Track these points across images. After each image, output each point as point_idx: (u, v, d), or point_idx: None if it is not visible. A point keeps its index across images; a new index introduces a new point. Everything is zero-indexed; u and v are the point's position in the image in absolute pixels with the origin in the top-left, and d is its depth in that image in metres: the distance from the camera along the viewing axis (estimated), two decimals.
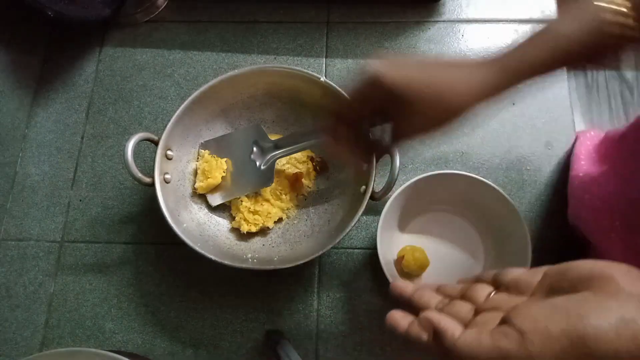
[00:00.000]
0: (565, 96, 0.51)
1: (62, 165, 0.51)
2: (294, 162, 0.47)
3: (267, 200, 0.46)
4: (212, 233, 0.45)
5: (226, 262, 0.39)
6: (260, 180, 0.45)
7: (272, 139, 0.46)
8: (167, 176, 0.43)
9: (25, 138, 0.52)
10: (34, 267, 0.47)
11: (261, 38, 0.55)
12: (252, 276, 0.46)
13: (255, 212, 0.45)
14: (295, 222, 0.46)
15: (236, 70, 0.44)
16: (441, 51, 0.54)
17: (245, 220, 0.44)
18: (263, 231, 0.45)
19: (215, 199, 0.46)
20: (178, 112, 0.43)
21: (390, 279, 0.40)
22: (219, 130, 0.48)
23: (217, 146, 0.47)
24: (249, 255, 0.43)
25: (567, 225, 0.45)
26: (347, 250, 0.46)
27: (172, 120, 0.43)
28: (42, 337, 0.45)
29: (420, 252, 0.43)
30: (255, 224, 0.44)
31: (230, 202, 0.46)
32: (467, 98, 0.31)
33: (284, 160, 0.46)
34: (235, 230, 0.45)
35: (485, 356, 0.20)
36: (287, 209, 0.46)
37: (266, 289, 0.45)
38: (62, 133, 0.52)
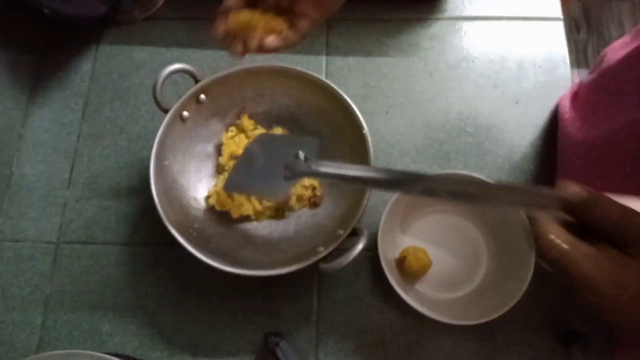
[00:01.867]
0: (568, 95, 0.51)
1: (58, 165, 0.50)
2: None
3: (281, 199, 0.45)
4: (209, 234, 0.44)
5: (223, 267, 0.38)
6: (279, 190, 0.40)
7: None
8: (185, 113, 0.43)
9: (21, 137, 0.52)
10: (30, 269, 0.47)
11: None
12: (251, 278, 0.45)
13: (258, 215, 0.44)
14: (294, 222, 0.45)
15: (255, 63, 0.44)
16: (443, 49, 0.53)
17: (217, 201, 0.44)
18: (263, 233, 0.45)
19: (232, 186, 0.42)
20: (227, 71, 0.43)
21: (392, 281, 0.39)
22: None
23: (266, 141, 0.43)
24: (248, 258, 0.43)
25: (573, 225, 0.44)
26: (348, 251, 0.46)
27: (221, 74, 0.43)
28: (38, 339, 0.44)
29: (422, 252, 0.43)
30: (222, 205, 0.44)
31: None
32: None
33: None
34: (234, 233, 0.45)
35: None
36: (260, 213, 0.45)
37: (265, 291, 0.45)
38: (58, 132, 0.51)
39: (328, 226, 0.44)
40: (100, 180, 0.49)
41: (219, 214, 0.46)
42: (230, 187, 0.42)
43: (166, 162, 0.43)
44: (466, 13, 0.55)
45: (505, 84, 0.51)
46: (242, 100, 0.47)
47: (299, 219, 0.46)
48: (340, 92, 0.42)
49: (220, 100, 0.46)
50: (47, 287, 0.46)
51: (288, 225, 0.46)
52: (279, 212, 0.46)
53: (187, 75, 0.44)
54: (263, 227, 0.46)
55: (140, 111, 0.52)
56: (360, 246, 0.36)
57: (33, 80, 0.54)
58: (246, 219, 0.45)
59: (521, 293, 0.38)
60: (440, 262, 0.44)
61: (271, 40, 0.36)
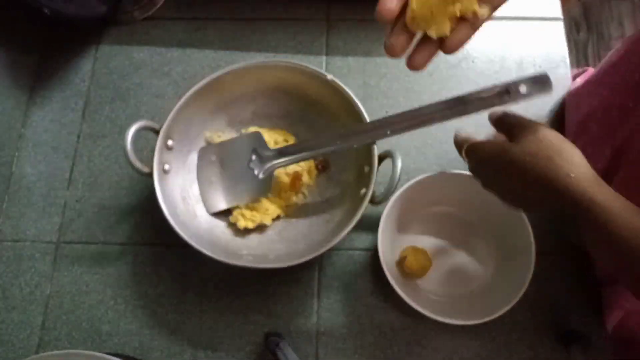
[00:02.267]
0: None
1: (58, 165, 0.50)
2: None
3: (265, 197, 0.45)
4: (208, 227, 0.44)
5: (221, 258, 0.38)
6: (258, 189, 0.44)
7: (275, 138, 0.45)
8: (166, 166, 0.42)
9: (21, 137, 0.52)
10: (30, 269, 0.47)
11: (260, 35, 0.54)
12: (251, 277, 0.45)
13: (252, 209, 0.44)
14: (293, 220, 0.45)
15: (242, 63, 0.44)
16: None
17: (242, 215, 0.44)
18: (260, 228, 0.45)
19: (213, 206, 0.45)
20: (181, 101, 0.43)
21: (392, 281, 0.39)
22: (222, 123, 0.47)
23: (215, 152, 0.46)
24: (245, 252, 0.43)
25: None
26: (348, 251, 0.46)
27: (174, 109, 0.42)
28: (38, 339, 0.44)
29: (422, 252, 0.43)
30: (253, 220, 0.44)
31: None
32: None
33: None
34: (232, 226, 0.45)
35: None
36: (286, 206, 0.46)
37: (265, 291, 0.45)
38: (59, 132, 0.52)
39: (347, 193, 0.44)
40: (100, 180, 0.49)
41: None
42: (213, 208, 0.45)
43: (166, 167, 0.43)
44: None
45: None
46: (204, 122, 0.46)
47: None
48: (346, 88, 0.42)
49: (184, 140, 0.45)
50: (47, 287, 0.46)
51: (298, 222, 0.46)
52: (298, 196, 0.46)
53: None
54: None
55: (140, 111, 0.52)
56: (399, 165, 0.39)
57: (33, 80, 0.54)
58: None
59: (521, 293, 0.38)
60: (439, 262, 0.44)
61: (464, 33, 0.30)
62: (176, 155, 0.44)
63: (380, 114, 0.51)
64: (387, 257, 0.41)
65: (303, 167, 0.46)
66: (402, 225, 0.45)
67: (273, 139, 0.47)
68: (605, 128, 0.41)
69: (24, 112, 0.53)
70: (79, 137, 0.51)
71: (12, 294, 0.46)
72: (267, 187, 0.44)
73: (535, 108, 0.51)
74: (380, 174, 0.41)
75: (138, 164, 0.40)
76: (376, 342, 0.43)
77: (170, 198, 0.42)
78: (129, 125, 0.51)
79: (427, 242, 0.45)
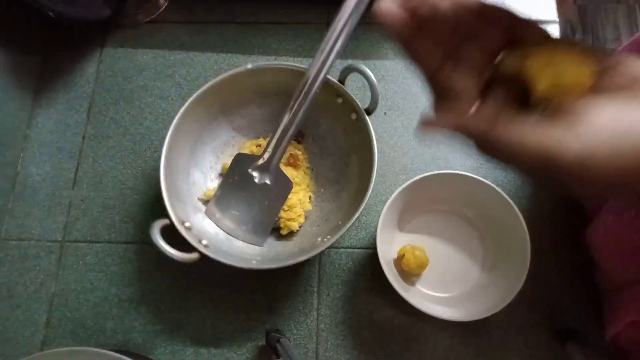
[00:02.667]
0: None
1: (63, 165, 0.51)
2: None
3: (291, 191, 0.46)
4: (214, 232, 0.45)
5: (226, 261, 0.39)
6: (281, 191, 0.44)
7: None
8: (187, 224, 0.41)
9: (27, 138, 0.52)
10: (35, 267, 0.47)
11: (261, 39, 0.55)
12: (252, 275, 0.46)
13: (289, 210, 0.45)
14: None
15: (239, 69, 0.44)
16: None
17: (288, 220, 0.45)
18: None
19: (263, 237, 0.44)
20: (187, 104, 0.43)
21: (391, 279, 0.40)
22: (227, 130, 0.48)
23: (220, 205, 0.45)
24: (248, 253, 0.43)
25: (567, 225, 0.45)
26: (347, 249, 0.47)
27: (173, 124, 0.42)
28: (43, 337, 0.45)
29: (420, 251, 0.44)
30: (292, 223, 0.45)
31: None
32: None
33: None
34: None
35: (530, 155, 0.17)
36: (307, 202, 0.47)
37: (266, 289, 0.45)
38: (63, 133, 0.52)
39: (340, 120, 0.45)
40: (104, 180, 0.50)
41: None
42: (263, 239, 0.45)
43: (175, 155, 0.43)
44: None
45: None
46: (249, 96, 0.48)
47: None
48: (350, 94, 0.43)
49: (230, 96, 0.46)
50: (52, 286, 0.47)
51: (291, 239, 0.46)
52: (306, 172, 0.48)
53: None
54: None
55: (144, 112, 0.53)
56: (364, 68, 0.40)
57: (38, 82, 0.55)
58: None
59: (517, 291, 0.39)
60: (437, 260, 0.44)
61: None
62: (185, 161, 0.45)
63: (379, 115, 0.52)
64: (386, 255, 0.42)
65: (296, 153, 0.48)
66: (401, 224, 0.46)
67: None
68: None
69: (29, 113, 0.53)
70: (83, 138, 0.52)
71: (18, 292, 0.46)
72: (285, 183, 0.44)
73: None
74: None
75: (180, 255, 0.38)
76: (375, 339, 0.43)
77: (178, 206, 0.42)
78: (132, 127, 0.52)
79: (425, 240, 0.45)
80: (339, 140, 0.47)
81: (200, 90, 0.44)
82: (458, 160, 0.50)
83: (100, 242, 0.48)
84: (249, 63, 0.45)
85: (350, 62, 0.42)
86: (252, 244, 0.44)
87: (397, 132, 0.51)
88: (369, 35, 0.55)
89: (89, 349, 0.36)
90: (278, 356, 0.39)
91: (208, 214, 0.45)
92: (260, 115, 0.49)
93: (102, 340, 0.44)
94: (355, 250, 0.46)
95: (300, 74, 0.44)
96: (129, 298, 0.46)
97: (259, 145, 0.48)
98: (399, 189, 0.42)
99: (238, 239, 0.45)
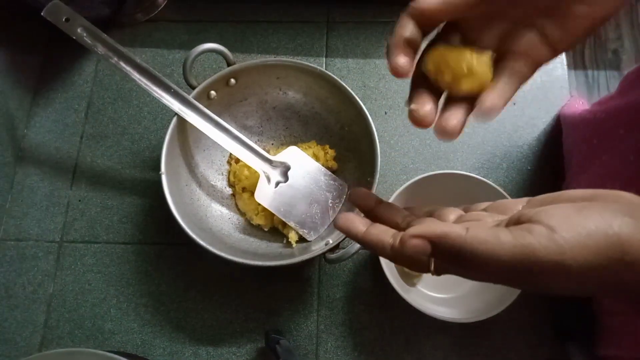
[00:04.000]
0: (565, 95, 0.51)
1: (61, 165, 0.51)
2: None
3: None
4: (215, 224, 0.44)
5: (227, 256, 0.38)
6: (337, 193, 0.44)
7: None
8: (212, 93, 0.44)
9: (25, 138, 0.52)
10: (33, 267, 0.47)
11: (261, 37, 0.55)
12: (252, 276, 0.46)
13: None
14: None
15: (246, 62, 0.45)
16: None
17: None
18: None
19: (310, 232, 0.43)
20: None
21: (391, 279, 0.40)
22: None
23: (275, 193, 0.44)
24: (249, 250, 0.43)
25: None
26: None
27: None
28: (41, 338, 0.45)
29: None
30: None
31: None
32: None
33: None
34: (237, 224, 0.46)
35: (507, 255, 0.16)
36: None
37: (266, 289, 0.45)
38: (62, 133, 0.52)
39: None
40: (103, 180, 0.50)
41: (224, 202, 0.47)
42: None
43: (177, 150, 0.44)
44: None
45: None
46: (264, 93, 0.47)
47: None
48: (352, 92, 0.43)
49: (247, 89, 0.46)
50: (50, 286, 0.46)
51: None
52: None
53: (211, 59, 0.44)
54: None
55: (143, 112, 0.53)
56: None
57: (36, 82, 0.54)
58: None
59: (518, 292, 0.39)
60: None
61: (493, 98, 0.22)
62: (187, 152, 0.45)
63: (380, 114, 0.52)
64: None
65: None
66: None
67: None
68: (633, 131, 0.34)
69: (27, 112, 0.53)
70: (81, 137, 0.52)
71: (15, 293, 0.46)
72: (340, 186, 0.45)
73: (525, 130, 0.51)
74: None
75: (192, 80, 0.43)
76: (375, 340, 0.43)
77: (178, 196, 0.42)
78: (131, 127, 0.52)
79: None
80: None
81: (201, 86, 0.43)
82: (459, 159, 0.49)
83: (98, 242, 0.48)
84: (247, 62, 0.45)
85: None
86: (304, 231, 0.43)
87: (398, 132, 0.51)
88: (369, 35, 0.55)
89: (88, 350, 0.36)
90: (278, 358, 0.39)
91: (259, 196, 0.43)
92: (272, 107, 0.48)
93: (100, 341, 0.44)
94: None
95: (301, 70, 0.44)
96: (127, 299, 0.45)
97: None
98: (400, 189, 0.41)
99: (289, 222, 0.43)
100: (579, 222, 0.17)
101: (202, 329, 0.44)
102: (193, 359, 0.43)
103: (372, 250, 0.21)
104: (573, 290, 0.17)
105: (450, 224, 0.19)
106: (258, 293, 0.45)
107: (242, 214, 0.46)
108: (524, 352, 0.43)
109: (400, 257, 0.20)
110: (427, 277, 0.44)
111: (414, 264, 0.20)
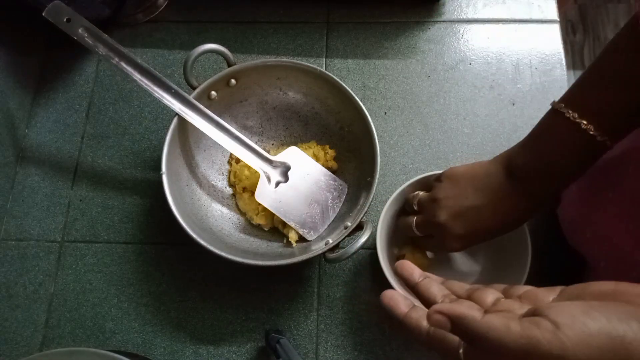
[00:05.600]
0: None
1: (62, 165, 0.51)
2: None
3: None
4: (215, 224, 0.45)
5: (228, 255, 0.38)
6: (337, 193, 0.45)
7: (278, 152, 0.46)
8: (213, 93, 0.44)
9: (26, 138, 0.52)
10: (34, 267, 0.47)
11: (261, 38, 0.55)
12: (252, 275, 0.46)
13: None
14: None
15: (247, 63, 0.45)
16: (440, 51, 0.54)
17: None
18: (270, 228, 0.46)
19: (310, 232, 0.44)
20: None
21: (391, 279, 0.40)
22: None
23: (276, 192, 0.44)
24: (250, 250, 0.43)
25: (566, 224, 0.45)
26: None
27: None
28: (42, 337, 0.45)
29: (420, 251, 0.43)
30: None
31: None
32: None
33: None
34: (237, 224, 0.46)
35: (514, 343, 0.18)
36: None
37: (266, 289, 0.45)
38: (62, 133, 0.52)
39: (336, 220, 0.45)
40: (104, 180, 0.50)
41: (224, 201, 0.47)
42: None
43: (178, 150, 0.44)
44: (464, 16, 0.55)
45: (502, 85, 0.52)
46: (265, 93, 0.48)
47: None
48: (352, 92, 0.43)
49: (248, 89, 0.47)
50: (51, 286, 0.47)
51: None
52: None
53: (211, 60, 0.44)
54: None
55: (144, 112, 0.53)
56: (365, 237, 0.38)
57: (37, 82, 0.55)
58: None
59: None
60: (437, 260, 0.44)
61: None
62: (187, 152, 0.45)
63: (380, 115, 0.52)
64: (386, 256, 0.42)
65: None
66: None
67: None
68: None
69: (28, 112, 0.53)
70: (82, 137, 0.52)
71: (16, 293, 0.46)
72: (340, 186, 0.46)
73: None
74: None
75: (192, 80, 0.43)
76: (375, 339, 0.43)
77: (179, 196, 0.42)
78: (131, 127, 0.52)
79: None
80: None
81: (201, 86, 0.43)
82: (458, 159, 0.50)
83: (99, 242, 0.48)
84: (247, 62, 0.45)
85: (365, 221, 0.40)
86: (304, 231, 0.44)
87: (397, 132, 0.51)
88: (369, 35, 0.55)
89: (88, 349, 0.36)
90: (278, 357, 0.39)
91: (260, 195, 0.44)
92: (272, 107, 0.49)
93: (101, 341, 0.44)
94: None
95: (318, 75, 0.44)
96: (128, 298, 0.46)
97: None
98: (399, 189, 0.42)
99: (289, 222, 0.43)
100: (584, 322, 0.18)
101: (202, 328, 0.44)
102: (194, 358, 0.43)
103: (410, 333, 0.23)
104: None
105: (470, 307, 0.22)
106: (258, 292, 0.45)
107: (242, 213, 0.47)
108: None
109: (433, 342, 0.22)
110: None
111: (445, 353, 0.22)
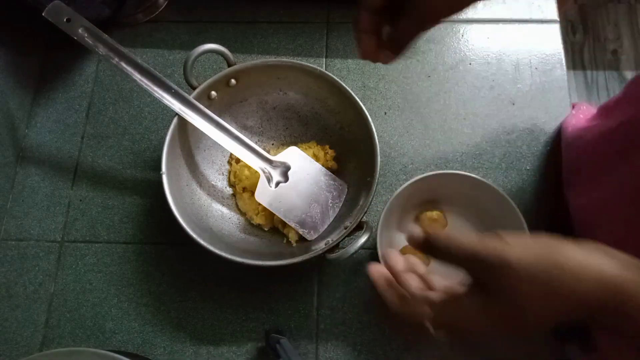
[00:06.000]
0: (565, 96, 0.51)
1: (62, 165, 0.51)
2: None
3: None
4: (215, 224, 0.44)
5: (229, 256, 0.38)
6: (336, 194, 0.45)
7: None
8: (213, 93, 0.44)
9: (26, 138, 0.52)
10: (34, 267, 0.47)
11: (261, 38, 0.55)
12: (252, 275, 0.46)
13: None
14: None
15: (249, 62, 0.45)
16: (440, 51, 0.54)
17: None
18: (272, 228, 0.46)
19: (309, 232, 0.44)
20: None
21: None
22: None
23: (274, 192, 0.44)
24: (250, 250, 0.43)
25: (568, 225, 0.45)
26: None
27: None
28: (42, 337, 0.45)
29: (420, 252, 0.43)
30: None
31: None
32: None
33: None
34: (237, 224, 0.46)
35: (469, 245, 0.23)
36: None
37: (266, 289, 0.45)
38: (62, 133, 0.52)
39: (336, 220, 0.45)
40: (104, 180, 0.50)
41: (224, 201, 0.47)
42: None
43: (178, 150, 0.44)
44: (464, 16, 0.55)
45: (501, 85, 0.52)
46: (265, 93, 0.48)
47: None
48: (352, 92, 0.43)
49: (248, 90, 0.47)
50: (51, 286, 0.47)
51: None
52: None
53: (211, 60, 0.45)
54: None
55: (144, 112, 0.53)
56: (365, 237, 0.38)
57: (37, 82, 0.55)
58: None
59: None
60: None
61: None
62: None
63: (380, 115, 0.52)
64: None
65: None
66: (401, 224, 0.46)
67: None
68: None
69: (28, 112, 0.53)
70: (82, 137, 0.52)
71: (17, 293, 0.46)
72: (340, 186, 0.45)
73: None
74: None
75: (192, 79, 0.43)
76: (375, 339, 0.43)
77: (179, 195, 0.42)
78: (131, 127, 0.52)
79: None
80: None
81: (201, 86, 0.43)
82: (458, 159, 0.50)
83: (99, 242, 0.48)
84: (247, 62, 0.45)
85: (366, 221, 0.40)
86: (304, 231, 0.44)
87: (397, 132, 0.51)
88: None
89: (88, 349, 0.36)
90: (278, 357, 0.39)
91: (259, 195, 0.44)
92: (272, 107, 0.49)
93: (101, 341, 0.44)
94: None
95: (301, 70, 0.44)
96: (128, 298, 0.46)
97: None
98: (399, 189, 0.42)
99: (290, 222, 0.43)
100: (528, 241, 0.22)
101: (202, 328, 0.44)
102: (194, 358, 0.43)
103: (389, 304, 0.28)
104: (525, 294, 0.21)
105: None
106: (258, 292, 0.45)
107: (242, 213, 0.47)
108: (522, 350, 0.43)
109: (404, 312, 0.26)
110: None
111: (415, 323, 0.26)
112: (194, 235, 0.39)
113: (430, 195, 0.45)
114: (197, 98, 0.43)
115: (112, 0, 0.53)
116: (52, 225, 0.49)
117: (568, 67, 0.54)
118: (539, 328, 0.22)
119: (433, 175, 0.42)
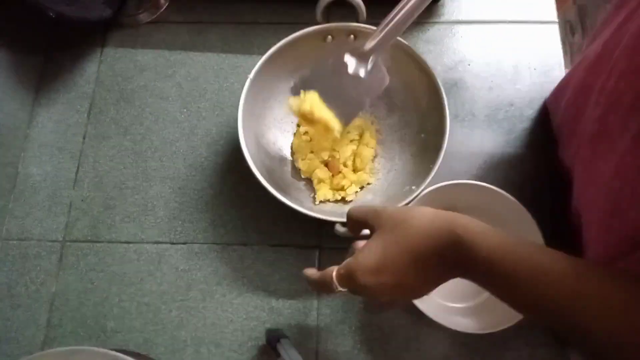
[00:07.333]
0: None
1: (63, 165, 0.51)
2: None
3: (341, 173, 0.48)
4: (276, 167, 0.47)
5: (289, 203, 0.40)
6: (374, 86, 0.43)
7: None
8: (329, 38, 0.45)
9: (27, 138, 0.53)
10: (35, 267, 0.47)
11: (262, 39, 0.55)
12: (252, 275, 0.46)
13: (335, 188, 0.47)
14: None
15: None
16: (440, 52, 0.54)
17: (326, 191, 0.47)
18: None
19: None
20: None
21: None
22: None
23: (305, 85, 0.44)
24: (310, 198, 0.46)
25: (569, 222, 0.45)
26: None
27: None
28: (43, 337, 0.45)
29: None
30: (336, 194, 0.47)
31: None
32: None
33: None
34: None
35: (363, 211, 0.33)
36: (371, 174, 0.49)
37: (267, 288, 0.46)
38: (64, 133, 0.52)
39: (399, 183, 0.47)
40: (105, 180, 0.50)
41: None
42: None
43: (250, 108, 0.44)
44: (463, 17, 0.56)
45: (500, 86, 0.52)
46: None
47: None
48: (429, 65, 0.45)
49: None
50: (53, 285, 0.47)
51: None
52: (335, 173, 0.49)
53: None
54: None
55: (145, 113, 0.53)
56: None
57: (39, 82, 0.55)
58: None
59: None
60: None
61: None
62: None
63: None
64: None
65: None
66: None
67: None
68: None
69: (29, 113, 0.54)
70: (84, 137, 0.52)
71: (18, 292, 0.47)
72: (380, 78, 0.43)
73: (516, 121, 0.52)
74: None
75: None
76: (375, 339, 0.44)
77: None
78: (133, 127, 0.53)
79: None
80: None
81: (272, 49, 0.45)
82: (457, 159, 0.50)
83: (100, 242, 0.48)
84: (251, 65, 0.45)
85: None
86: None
87: None
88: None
89: (90, 348, 0.36)
90: (278, 356, 0.39)
91: (293, 91, 0.44)
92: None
93: (102, 340, 0.45)
94: None
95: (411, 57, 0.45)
96: (129, 298, 0.46)
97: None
98: (409, 198, 0.41)
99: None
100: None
101: (203, 327, 0.45)
102: (195, 357, 0.44)
103: (310, 283, 0.36)
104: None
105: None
106: (259, 292, 0.45)
107: (292, 153, 0.49)
108: (523, 352, 0.43)
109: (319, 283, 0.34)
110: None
111: (327, 288, 0.33)
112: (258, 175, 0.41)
113: (438, 204, 0.44)
114: (314, 32, 0.45)
115: (113, 0, 0.53)
116: (53, 225, 0.49)
117: (567, 68, 0.54)
118: (412, 255, 0.29)
119: (446, 186, 0.42)
